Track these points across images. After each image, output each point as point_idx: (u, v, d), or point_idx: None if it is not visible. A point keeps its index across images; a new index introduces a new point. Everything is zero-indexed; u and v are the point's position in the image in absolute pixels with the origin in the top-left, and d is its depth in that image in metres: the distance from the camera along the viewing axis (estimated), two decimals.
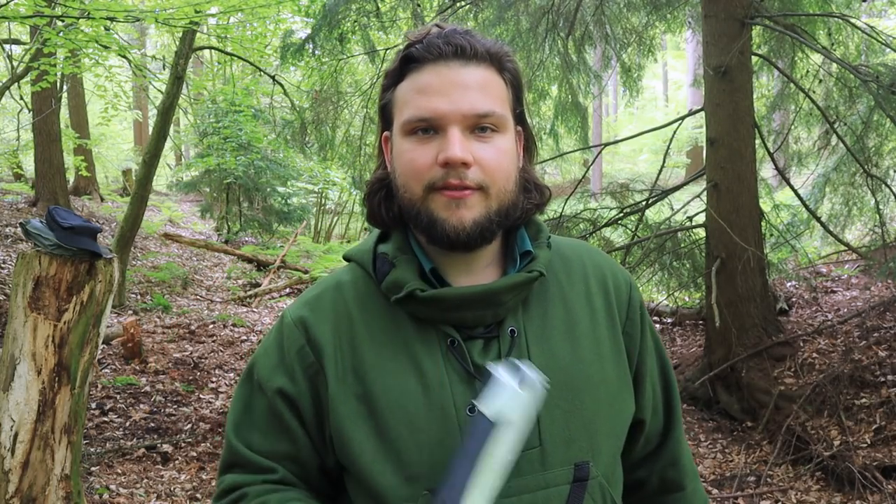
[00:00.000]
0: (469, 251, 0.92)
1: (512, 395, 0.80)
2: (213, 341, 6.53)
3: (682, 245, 5.33)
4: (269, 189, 12.63)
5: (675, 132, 5.55)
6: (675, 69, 26.97)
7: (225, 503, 0.95)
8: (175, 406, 4.94)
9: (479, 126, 0.89)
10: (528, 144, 1.00)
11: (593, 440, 0.92)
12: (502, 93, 0.93)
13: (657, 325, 6.55)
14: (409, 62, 0.92)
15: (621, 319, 1.00)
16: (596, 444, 0.92)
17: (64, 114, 11.89)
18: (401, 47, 0.95)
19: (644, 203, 5.21)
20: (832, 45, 5.32)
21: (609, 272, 1.03)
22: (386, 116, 0.97)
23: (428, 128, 0.89)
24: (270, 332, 1.01)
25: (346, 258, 1.03)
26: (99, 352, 3.45)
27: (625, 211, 5.25)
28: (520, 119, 0.97)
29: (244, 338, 6.78)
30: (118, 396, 4.96)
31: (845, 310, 5.27)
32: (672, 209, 5.23)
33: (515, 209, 0.94)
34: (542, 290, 0.97)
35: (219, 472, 1.00)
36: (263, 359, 0.98)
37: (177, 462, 4.15)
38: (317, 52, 6.01)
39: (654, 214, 5.39)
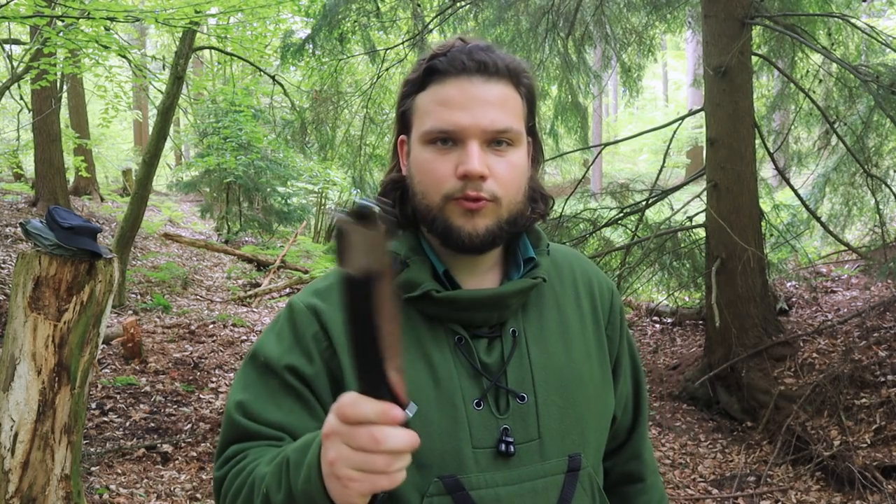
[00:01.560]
0: (479, 255, 0.98)
1: (365, 239, 0.65)
2: (213, 341, 6.54)
3: (682, 245, 5.33)
4: (269, 189, 12.63)
5: (675, 132, 5.56)
6: (675, 69, 26.98)
7: (227, 466, 0.93)
8: (175, 406, 4.94)
9: (495, 140, 0.94)
10: (536, 154, 1.05)
11: (584, 434, 1.00)
12: (518, 108, 0.97)
13: (657, 325, 6.55)
14: (431, 73, 0.96)
15: (604, 322, 1.08)
16: (585, 438, 1.00)
17: (64, 114, 11.89)
18: (410, 54, 0.98)
19: (644, 203, 5.21)
20: (832, 45, 5.32)
21: (595, 279, 1.11)
22: (404, 122, 1.01)
23: (447, 139, 0.93)
24: (277, 321, 1.00)
25: None
26: (99, 352, 3.45)
27: (625, 211, 5.25)
28: (531, 131, 1.02)
29: (244, 338, 6.79)
30: (118, 396, 4.96)
31: (845, 310, 5.27)
32: (672, 209, 5.23)
33: (522, 218, 0.99)
34: (539, 295, 1.04)
35: (218, 449, 0.96)
36: (272, 343, 0.97)
37: (177, 462, 4.15)
38: (317, 52, 6.02)
39: (654, 214, 5.40)
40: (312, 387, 0.94)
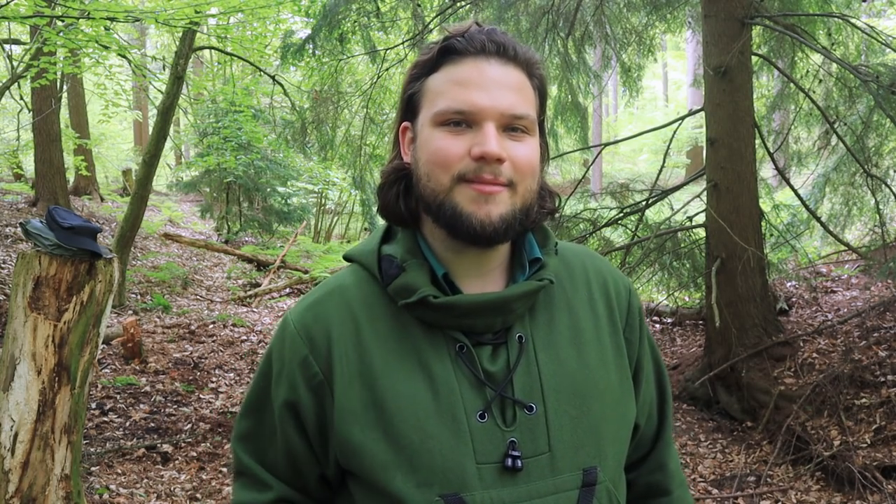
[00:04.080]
0: (490, 247, 0.92)
1: None
2: (213, 341, 6.54)
3: (682, 245, 5.32)
4: (269, 189, 12.63)
5: (675, 132, 5.55)
6: (675, 69, 26.98)
7: None
8: (175, 406, 4.94)
9: (511, 126, 0.89)
10: (542, 153, 1.00)
11: (600, 445, 0.92)
12: (532, 98, 0.93)
13: (657, 325, 6.55)
14: (447, 53, 0.91)
15: (622, 325, 1.01)
16: (603, 450, 0.93)
17: (64, 114, 11.89)
18: (437, 40, 0.93)
19: (644, 203, 5.21)
20: (832, 45, 5.32)
21: (610, 277, 1.03)
22: (411, 106, 0.95)
23: (461, 121, 0.88)
24: (276, 334, 1.00)
25: (346, 258, 1.01)
26: (99, 352, 3.45)
27: (625, 211, 5.25)
28: (540, 126, 0.98)
29: (244, 338, 6.78)
30: (118, 396, 4.96)
31: (845, 310, 5.27)
32: (672, 209, 5.22)
33: (532, 211, 0.94)
34: (548, 297, 0.97)
35: (234, 468, 1.04)
36: (272, 364, 0.98)
37: (177, 462, 4.15)
38: (317, 52, 6.01)
39: (654, 214, 5.40)
40: (300, 415, 0.95)
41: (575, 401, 0.92)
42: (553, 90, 6.04)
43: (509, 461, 0.87)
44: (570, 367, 0.93)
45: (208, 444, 4.40)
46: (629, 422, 0.99)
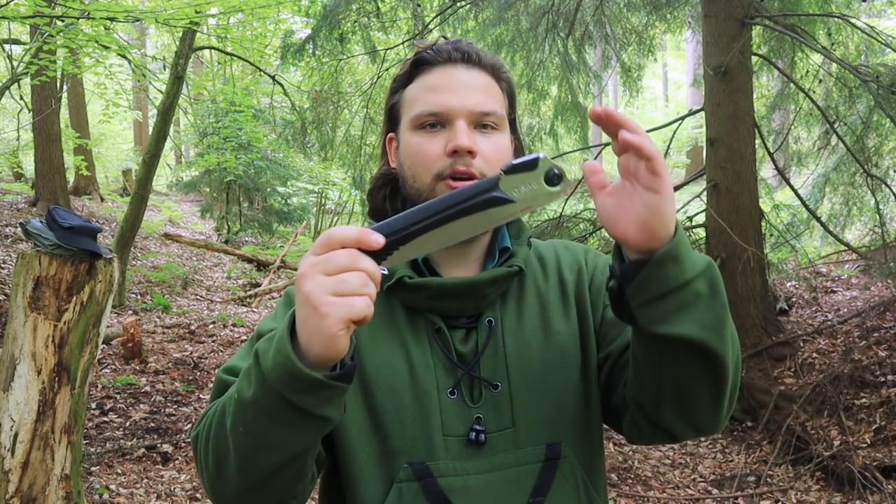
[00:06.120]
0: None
1: (534, 182, 0.76)
2: (213, 341, 6.54)
3: None
4: (269, 189, 12.63)
5: (675, 132, 5.56)
6: (675, 69, 26.98)
7: (204, 420, 0.94)
8: (175, 406, 4.94)
9: (481, 123, 0.98)
10: (515, 149, 1.08)
11: (565, 421, 0.99)
12: (500, 98, 1.03)
13: None
14: (419, 65, 1.02)
15: (588, 280, 1.06)
16: (567, 425, 0.99)
17: (64, 114, 11.89)
18: (409, 55, 1.03)
19: None
20: (832, 45, 5.32)
21: (582, 256, 1.10)
22: (393, 117, 1.06)
23: (436, 122, 0.98)
24: (276, 307, 1.08)
25: None
26: (99, 352, 3.45)
27: None
28: (512, 125, 1.06)
29: (244, 338, 6.78)
30: (118, 396, 4.96)
31: (845, 310, 5.26)
32: None
33: None
34: (519, 286, 1.05)
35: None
36: (268, 321, 1.05)
37: (177, 462, 4.15)
38: (317, 52, 6.02)
39: None
40: None
41: (539, 379, 0.98)
42: (553, 90, 6.04)
43: (473, 434, 0.95)
44: (536, 348, 1.00)
45: None
46: (594, 394, 1.02)
